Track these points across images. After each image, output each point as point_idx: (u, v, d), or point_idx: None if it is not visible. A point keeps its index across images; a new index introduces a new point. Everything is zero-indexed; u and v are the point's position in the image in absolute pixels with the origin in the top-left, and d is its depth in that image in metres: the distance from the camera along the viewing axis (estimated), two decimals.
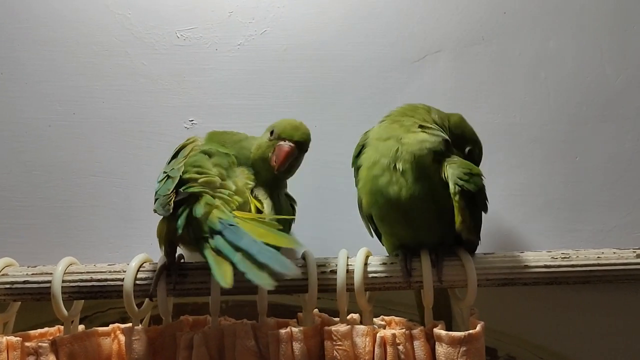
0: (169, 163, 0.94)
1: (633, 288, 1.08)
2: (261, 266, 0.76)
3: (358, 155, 0.97)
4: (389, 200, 0.89)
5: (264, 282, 0.74)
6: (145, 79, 1.15)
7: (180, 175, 0.88)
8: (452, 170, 0.88)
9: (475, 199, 0.88)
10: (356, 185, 0.97)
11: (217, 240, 0.81)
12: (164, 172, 0.91)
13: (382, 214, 0.93)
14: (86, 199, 1.12)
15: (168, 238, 0.89)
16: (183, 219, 0.84)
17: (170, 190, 0.86)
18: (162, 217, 0.88)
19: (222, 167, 0.93)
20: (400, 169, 0.88)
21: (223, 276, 0.76)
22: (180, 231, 0.83)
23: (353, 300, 0.90)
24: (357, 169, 0.97)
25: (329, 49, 1.17)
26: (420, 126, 0.92)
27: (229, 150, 0.96)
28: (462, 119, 0.99)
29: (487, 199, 0.92)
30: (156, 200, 0.87)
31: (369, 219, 0.97)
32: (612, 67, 1.15)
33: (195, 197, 0.86)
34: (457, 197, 0.86)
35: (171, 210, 0.84)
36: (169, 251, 0.90)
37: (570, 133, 1.14)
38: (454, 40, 1.17)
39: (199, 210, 0.84)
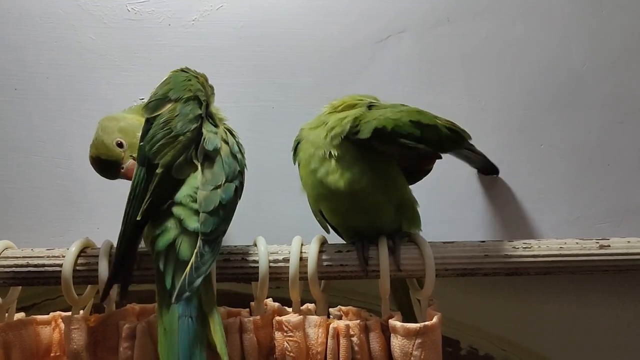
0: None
1: (596, 279, 1.07)
2: None
3: (295, 151, 0.94)
4: (332, 191, 0.86)
5: None
6: (92, 54, 1.11)
7: None
8: (347, 126, 0.84)
9: (389, 134, 0.81)
10: (300, 180, 0.94)
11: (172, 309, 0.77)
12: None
13: (331, 206, 0.90)
14: (27, 179, 1.07)
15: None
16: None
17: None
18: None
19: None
20: (335, 155, 0.85)
21: None
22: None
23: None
24: (298, 165, 0.94)
25: (288, 27, 1.14)
26: (338, 105, 0.90)
27: None
28: None
29: (405, 122, 0.83)
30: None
31: (320, 215, 0.95)
32: (580, 53, 1.14)
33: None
34: (374, 143, 0.83)
35: None
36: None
37: (535, 120, 1.12)
38: (418, 20, 1.15)
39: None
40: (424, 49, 1.14)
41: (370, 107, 0.88)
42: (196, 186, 0.82)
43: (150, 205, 0.80)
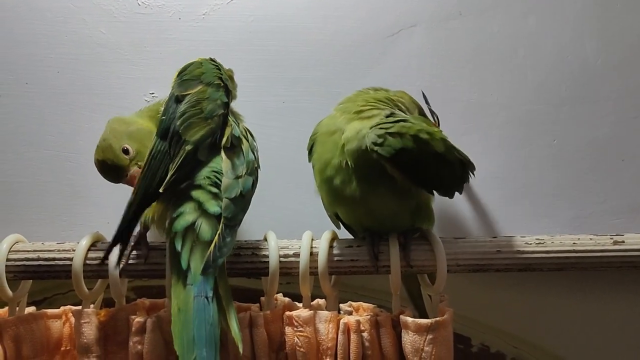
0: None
1: (609, 276, 1.06)
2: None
3: (310, 151, 0.93)
4: (348, 200, 0.86)
5: None
6: (103, 49, 1.11)
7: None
8: (370, 134, 0.81)
9: (400, 160, 0.80)
10: (315, 181, 0.93)
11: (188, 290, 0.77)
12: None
13: (346, 210, 0.90)
14: (37, 174, 1.07)
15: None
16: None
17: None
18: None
19: None
20: (352, 166, 0.84)
21: None
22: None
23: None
24: (313, 166, 0.94)
25: (299, 21, 1.13)
26: (357, 111, 0.88)
27: None
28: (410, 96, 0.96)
29: (429, 151, 0.81)
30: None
31: (334, 214, 0.95)
32: (593, 46, 1.12)
33: None
34: (382, 161, 0.81)
35: None
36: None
37: (548, 115, 1.11)
38: (429, 14, 1.14)
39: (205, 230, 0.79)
40: (436, 43, 1.13)
41: (388, 117, 0.86)
42: (216, 170, 0.83)
43: (174, 181, 0.81)
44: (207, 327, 0.74)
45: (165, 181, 0.80)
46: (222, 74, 0.88)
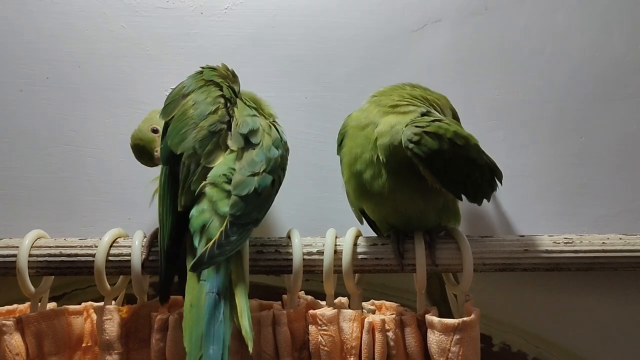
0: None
1: (639, 276, 1.04)
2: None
3: (340, 144, 0.92)
4: (376, 195, 0.85)
5: None
6: (124, 43, 1.10)
7: None
8: (406, 131, 0.80)
9: (433, 161, 0.79)
10: (342, 175, 0.92)
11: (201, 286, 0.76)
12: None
13: (372, 206, 0.89)
14: (58, 169, 1.07)
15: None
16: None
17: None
18: None
19: None
20: (383, 161, 0.82)
21: None
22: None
23: (343, 283, 0.86)
24: (341, 159, 0.92)
25: (322, 16, 1.12)
26: (393, 105, 0.86)
27: None
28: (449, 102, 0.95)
29: (462, 156, 0.81)
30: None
31: (359, 210, 0.94)
32: (623, 43, 1.11)
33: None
34: (414, 160, 0.80)
35: None
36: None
37: (576, 112, 1.10)
38: (455, 9, 1.12)
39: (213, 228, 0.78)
40: (461, 39, 1.12)
41: (424, 115, 0.84)
42: (231, 167, 0.80)
43: (187, 195, 0.80)
44: (217, 325, 0.73)
45: (178, 203, 0.80)
46: (204, 75, 0.86)
